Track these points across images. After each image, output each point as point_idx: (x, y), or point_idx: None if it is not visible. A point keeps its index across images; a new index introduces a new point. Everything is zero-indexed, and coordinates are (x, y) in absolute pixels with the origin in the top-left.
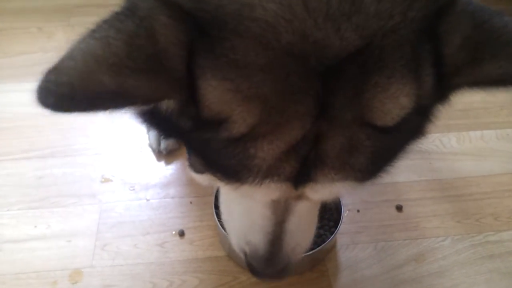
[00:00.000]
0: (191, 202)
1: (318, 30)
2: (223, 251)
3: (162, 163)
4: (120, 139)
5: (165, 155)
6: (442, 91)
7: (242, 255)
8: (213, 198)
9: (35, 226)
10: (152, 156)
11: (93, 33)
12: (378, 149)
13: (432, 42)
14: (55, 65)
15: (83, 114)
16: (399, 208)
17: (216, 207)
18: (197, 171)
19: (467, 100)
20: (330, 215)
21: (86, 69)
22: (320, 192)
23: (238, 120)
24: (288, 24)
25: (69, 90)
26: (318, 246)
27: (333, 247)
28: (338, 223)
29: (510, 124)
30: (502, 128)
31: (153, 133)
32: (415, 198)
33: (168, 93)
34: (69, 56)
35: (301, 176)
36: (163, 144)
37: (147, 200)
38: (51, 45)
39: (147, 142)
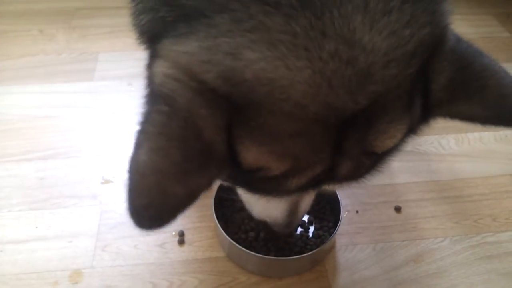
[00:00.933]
0: None
1: (339, 100)
2: (222, 252)
3: None
4: (120, 140)
5: None
6: (425, 117)
7: (262, 221)
8: (212, 200)
9: (36, 227)
10: None
11: (147, 142)
12: (376, 164)
13: (423, 80)
14: (130, 185)
15: (172, 223)
16: (398, 209)
17: (216, 208)
18: (227, 184)
19: None
20: (329, 216)
21: (160, 187)
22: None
23: (274, 169)
24: (315, 100)
25: (155, 211)
26: (317, 247)
27: (332, 248)
28: (337, 224)
29: None
30: (500, 130)
31: None
32: (413, 200)
33: (220, 172)
34: (139, 174)
35: (316, 186)
36: None
37: None
38: (52, 48)
39: None
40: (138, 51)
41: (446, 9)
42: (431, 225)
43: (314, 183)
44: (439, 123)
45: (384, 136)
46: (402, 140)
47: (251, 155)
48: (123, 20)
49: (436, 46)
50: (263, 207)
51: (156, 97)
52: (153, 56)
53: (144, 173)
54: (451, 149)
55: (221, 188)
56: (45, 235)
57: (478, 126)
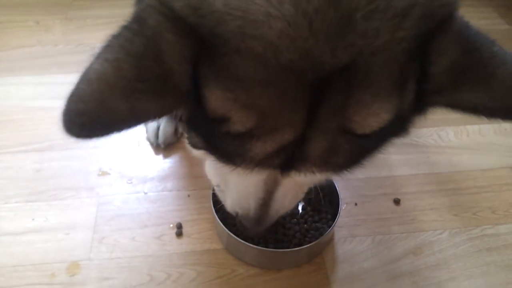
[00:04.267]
0: (189, 195)
1: (317, 48)
2: (220, 244)
3: (160, 157)
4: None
5: (163, 148)
6: (421, 105)
7: (233, 214)
8: (211, 192)
9: (33, 219)
10: (150, 150)
11: (105, 53)
12: (355, 151)
13: (420, 60)
14: (74, 90)
15: (100, 137)
16: (396, 202)
17: (214, 200)
18: (196, 147)
19: None
20: (327, 208)
21: (101, 97)
22: (302, 177)
23: (237, 122)
24: (291, 43)
25: (89, 120)
26: (316, 239)
27: (331, 240)
28: (336, 216)
29: None
30: (499, 123)
31: (151, 127)
32: (412, 192)
33: (176, 106)
34: (85, 80)
35: (287, 166)
36: (161, 137)
37: (145, 193)
38: (49, 39)
39: (145, 135)
40: None
41: None
42: (430, 218)
43: (282, 158)
44: (438, 115)
45: (366, 110)
46: (387, 127)
47: (215, 99)
48: (120, 11)
49: (439, 23)
50: (237, 190)
51: (128, 21)
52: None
53: (89, 80)
54: (450, 142)
55: None
56: (42, 227)
57: (478, 118)
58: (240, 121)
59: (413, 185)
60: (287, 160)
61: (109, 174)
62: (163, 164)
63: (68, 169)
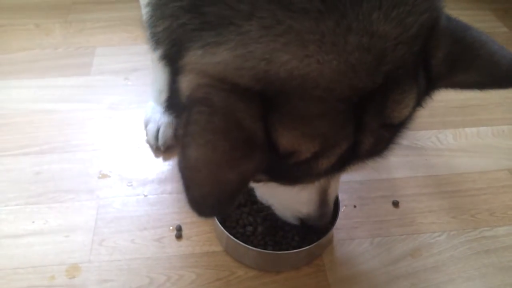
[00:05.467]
0: None
1: (360, 81)
2: (220, 246)
3: (160, 159)
4: (118, 135)
5: (162, 151)
6: (428, 90)
7: (297, 222)
8: None
9: (33, 222)
10: (150, 152)
11: (193, 141)
12: (393, 136)
13: (423, 55)
14: (185, 181)
15: (229, 210)
16: (395, 204)
17: None
18: (257, 181)
19: (463, 97)
20: None
21: (214, 176)
22: (354, 168)
23: (305, 151)
24: (340, 83)
25: (215, 199)
26: (315, 241)
27: (330, 242)
28: (335, 219)
29: (505, 121)
30: (498, 125)
31: (151, 129)
32: (411, 194)
33: (264, 157)
34: (190, 168)
35: (343, 166)
36: (161, 140)
37: (145, 195)
38: (49, 42)
39: (145, 138)
40: (135, 46)
41: None
42: (429, 220)
43: (341, 164)
44: (437, 118)
45: (400, 106)
46: (413, 110)
47: (285, 139)
48: (120, 14)
49: (433, 26)
50: (295, 202)
51: (191, 104)
52: (177, 72)
53: (197, 167)
54: (449, 144)
55: None
56: (41, 229)
57: (476, 120)
58: (307, 150)
59: (411, 187)
60: (343, 164)
61: (109, 176)
62: (163, 166)
63: (68, 171)
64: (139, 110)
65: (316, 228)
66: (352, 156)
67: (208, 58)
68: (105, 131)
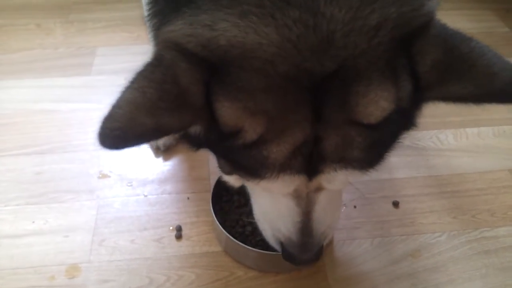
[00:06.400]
0: (188, 198)
1: (306, 61)
2: (219, 246)
3: (160, 159)
4: None
5: (162, 151)
6: (417, 101)
7: (279, 248)
8: (210, 195)
9: (33, 222)
10: (149, 153)
11: (132, 84)
12: (368, 143)
13: (407, 59)
14: (108, 114)
15: (132, 147)
16: (396, 204)
17: (213, 203)
18: (226, 172)
19: None
20: None
21: (131, 115)
22: (330, 181)
23: (249, 130)
24: (283, 60)
25: (121, 133)
26: None
27: (330, 242)
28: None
29: (506, 121)
30: (498, 125)
31: None
32: (411, 194)
33: (194, 120)
34: (117, 105)
35: (311, 170)
36: (161, 140)
37: (145, 196)
38: (50, 42)
39: None
40: (136, 46)
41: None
42: (429, 220)
43: (301, 161)
44: (438, 118)
45: (365, 99)
46: (391, 117)
47: (226, 110)
48: (121, 14)
49: (417, 30)
50: (275, 217)
51: (149, 60)
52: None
53: (120, 105)
54: (450, 144)
55: (218, 184)
56: (42, 229)
57: (477, 120)
58: (251, 128)
59: (412, 187)
60: (309, 163)
61: (109, 176)
62: (163, 167)
63: (68, 171)
64: None
65: (297, 260)
66: (317, 157)
67: (169, 29)
68: None
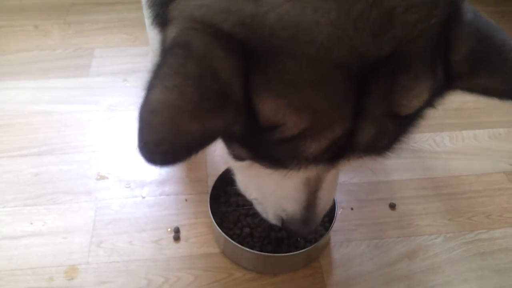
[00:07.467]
0: (186, 200)
1: (363, 43)
2: (218, 248)
3: None
4: (116, 136)
5: None
6: (444, 88)
7: (278, 223)
8: (208, 196)
9: (31, 223)
10: None
11: (161, 82)
12: (397, 131)
13: (444, 46)
14: (141, 123)
15: (184, 161)
16: (392, 206)
17: (211, 204)
18: (240, 159)
19: (460, 100)
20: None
21: (174, 122)
22: (349, 165)
23: (291, 126)
24: (339, 42)
25: (169, 148)
26: (312, 244)
27: (327, 244)
28: (332, 221)
29: (502, 123)
30: (494, 128)
31: None
32: (408, 196)
33: (237, 118)
34: (150, 109)
35: (336, 157)
36: None
37: (143, 197)
38: (47, 43)
39: None
40: (134, 47)
41: None
42: (425, 222)
43: (333, 153)
44: (434, 120)
45: (410, 93)
46: (425, 104)
47: (268, 106)
48: (119, 16)
49: (454, 12)
50: (279, 197)
51: (170, 47)
52: (166, 24)
53: (156, 110)
54: (446, 147)
55: (216, 185)
56: (40, 231)
57: (473, 122)
58: (294, 125)
59: (408, 189)
60: (337, 152)
61: (107, 178)
62: (161, 168)
63: (66, 173)
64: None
65: (297, 234)
66: (348, 146)
67: (194, 2)
68: (104, 132)
